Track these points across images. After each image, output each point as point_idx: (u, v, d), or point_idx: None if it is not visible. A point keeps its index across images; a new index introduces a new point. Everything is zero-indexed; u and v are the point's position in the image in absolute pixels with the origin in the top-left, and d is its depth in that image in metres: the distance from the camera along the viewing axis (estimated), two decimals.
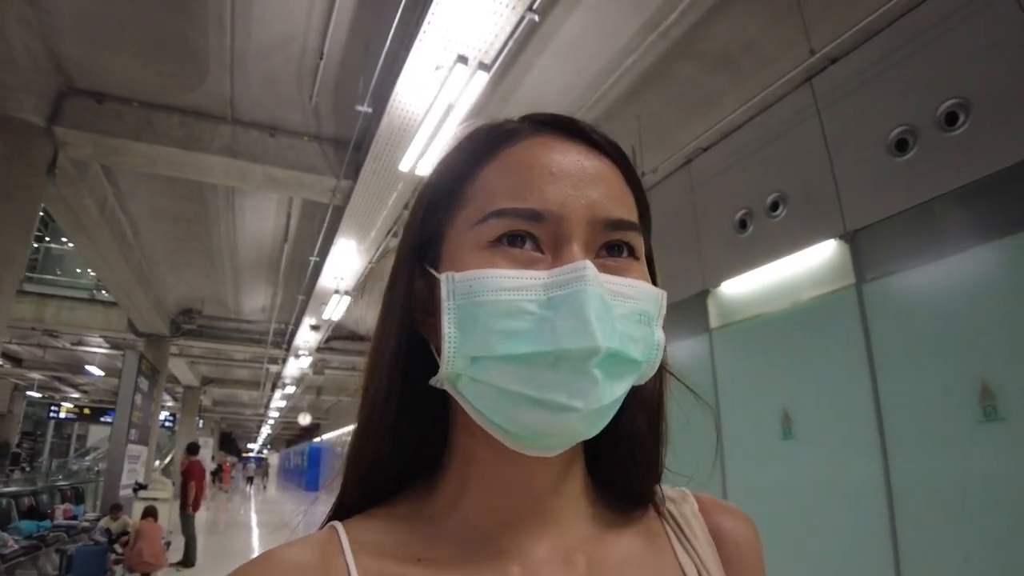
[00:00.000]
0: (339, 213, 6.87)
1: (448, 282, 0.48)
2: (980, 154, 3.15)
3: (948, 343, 3.22)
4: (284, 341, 14.75)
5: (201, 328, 14.63)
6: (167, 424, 27.07)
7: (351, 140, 5.85)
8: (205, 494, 11.35)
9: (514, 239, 0.48)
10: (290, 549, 0.49)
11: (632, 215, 0.53)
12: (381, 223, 6.93)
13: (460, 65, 3.76)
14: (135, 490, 10.49)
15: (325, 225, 7.47)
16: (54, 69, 5.42)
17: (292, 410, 30.24)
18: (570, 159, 0.51)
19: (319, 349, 14.85)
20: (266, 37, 5.05)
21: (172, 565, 8.42)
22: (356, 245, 7.77)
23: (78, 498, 10.95)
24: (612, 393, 0.46)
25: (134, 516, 8.95)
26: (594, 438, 0.52)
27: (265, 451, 60.16)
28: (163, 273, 11.32)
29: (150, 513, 7.76)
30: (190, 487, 9.20)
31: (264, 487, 37.66)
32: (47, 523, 8.42)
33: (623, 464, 0.60)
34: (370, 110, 4.91)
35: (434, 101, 4.09)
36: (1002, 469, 3.01)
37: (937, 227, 3.29)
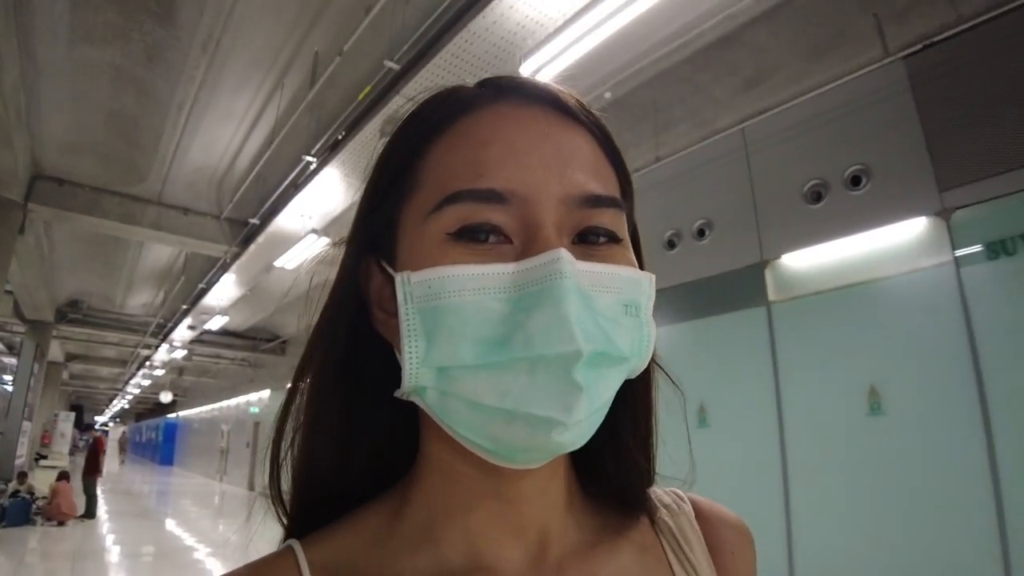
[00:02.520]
0: (228, 264, 9.50)
1: (404, 284, 0.42)
2: None
3: None
4: (162, 333, 16.60)
5: (85, 317, 16.12)
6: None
7: (246, 222, 8.54)
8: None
9: (477, 230, 0.42)
10: (239, 575, 0.45)
11: (611, 190, 0.47)
12: (259, 274, 9.64)
13: (312, 234, 6.68)
14: (36, 459, 12.60)
15: (215, 268, 10.06)
16: (33, 165, 7.79)
17: (151, 387, 31.18)
18: (536, 129, 0.45)
19: (191, 341, 16.89)
20: (192, 165, 7.74)
21: (77, 517, 10.78)
22: (236, 280, 10.36)
23: None
24: (599, 398, 0.42)
25: (36, 481, 11.25)
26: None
27: (111, 424, 58.54)
28: (64, 275, 13.27)
29: (63, 476, 10.18)
30: (95, 457, 11.50)
31: (122, 462, 37.51)
32: None
33: (611, 469, 0.55)
34: (258, 223, 7.70)
35: (302, 238, 6.97)
36: None
37: None
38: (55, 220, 8.55)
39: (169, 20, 5.14)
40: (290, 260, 7.45)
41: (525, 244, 0.42)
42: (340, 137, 5.72)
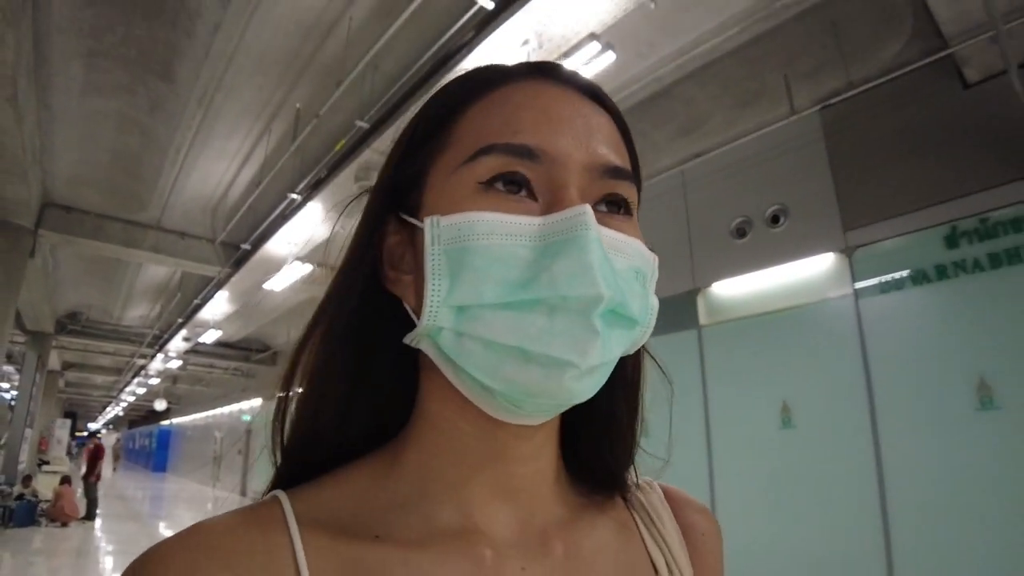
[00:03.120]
0: (221, 283, 10.21)
1: (433, 227, 0.45)
2: None
3: (946, 342, 4.40)
4: (158, 344, 17.23)
5: (84, 328, 16.70)
6: (12, 403, 27.88)
7: (238, 247, 9.26)
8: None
9: (507, 183, 0.45)
10: (222, 521, 0.44)
11: (628, 165, 0.51)
12: (249, 292, 10.35)
13: (297, 261, 7.41)
14: (39, 465, 13.26)
15: (209, 286, 10.77)
16: (43, 195, 8.50)
17: (146, 395, 31.46)
18: (567, 103, 0.49)
19: (186, 352, 17.51)
20: (188, 195, 8.47)
21: (79, 519, 11.45)
22: (228, 297, 11.10)
23: None
24: (611, 350, 0.44)
25: (39, 485, 11.92)
26: (568, 416, 0.52)
27: (104, 431, 58.42)
28: (65, 290, 13.95)
29: (66, 480, 10.86)
30: (95, 463, 12.17)
31: (115, 468, 37.56)
32: None
33: (597, 447, 0.58)
34: (250, 248, 8.42)
35: (289, 264, 7.69)
36: (996, 454, 3.92)
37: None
38: (62, 244, 9.25)
39: (169, 78, 5.88)
40: (278, 283, 8.15)
41: (550, 203, 0.45)
42: (322, 177, 6.44)
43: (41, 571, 8.50)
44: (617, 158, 0.49)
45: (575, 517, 0.55)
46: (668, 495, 0.63)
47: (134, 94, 6.15)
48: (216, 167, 7.62)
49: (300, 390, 0.53)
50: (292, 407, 0.54)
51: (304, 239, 7.52)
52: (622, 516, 0.58)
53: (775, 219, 5.93)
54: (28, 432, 14.39)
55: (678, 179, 6.65)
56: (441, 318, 0.44)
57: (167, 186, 8.08)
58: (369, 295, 0.52)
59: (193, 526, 0.43)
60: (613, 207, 0.49)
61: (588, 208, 0.43)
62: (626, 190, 0.49)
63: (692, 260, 6.43)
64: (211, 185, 8.15)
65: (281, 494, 0.48)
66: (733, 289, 6.09)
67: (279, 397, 0.54)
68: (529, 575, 0.49)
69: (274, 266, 8.23)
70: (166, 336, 16.03)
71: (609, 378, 0.48)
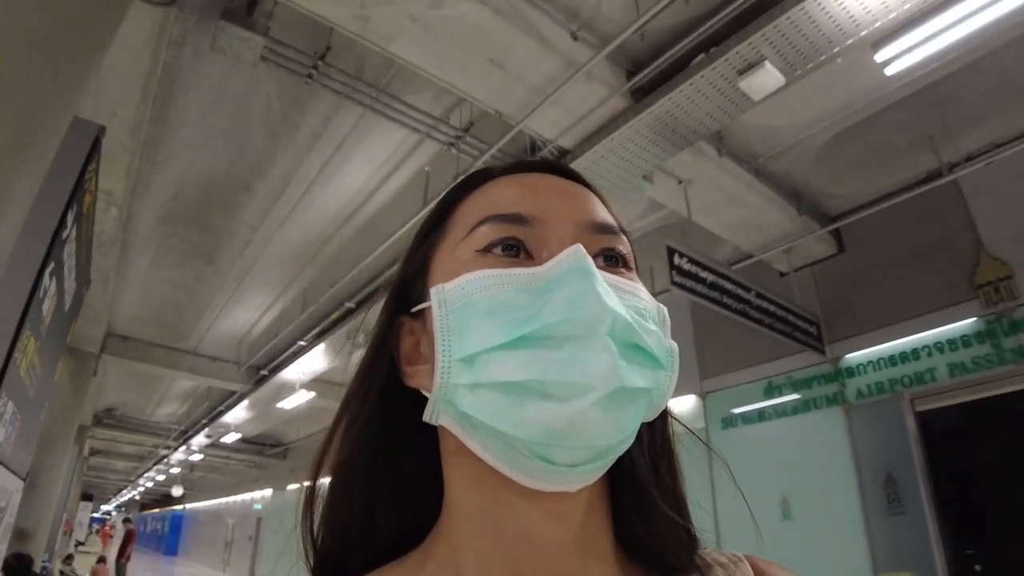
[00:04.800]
0: (243, 396, 12.37)
1: (438, 293, 0.46)
2: None
3: (762, 468, 6.39)
4: (182, 438, 19.16)
5: (117, 422, 18.63)
6: None
7: (258, 370, 11.44)
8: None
9: (504, 248, 0.48)
10: None
11: (617, 224, 0.53)
12: (265, 405, 12.49)
13: (303, 389, 9.55)
14: (76, 546, 15.08)
15: (233, 397, 12.92)
16: (107, 329, 10.77)
17: (164, 481, 32.59)
18: (552, 181, 0.54)
19: (206, 446, 19.41)
20: (221, 332, 10.76)
21: None
22: (247, 407, 13.19)
23: None
24: (631, 378, 0.42)
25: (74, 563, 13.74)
26: (615, 498, 0.51)
27: (113, 513, 58.23)
28: (107, 391, 16.12)
29: (101, 560, 12.70)
30: (127, 546, 14.01)
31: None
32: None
33: (640, 528, 0.52)
34: (267, 373, 10.59)
35: (297, 390, 9.84)
36: (794, 554, 5.60)
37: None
38: (118, 365, 11.49)
39: (213, 263, 8.22)
40: (288, 403, 10.28)
41: (547, 257, 0.47)
42: (324, 330, 8.66)
43: None
44: (605, 216, 0.52)
45: None
46: (758, 571, 0.55)
47: (185, 269, 8.46)
48: (243, 314, 9.90)
49: (326, 497, 0.54)
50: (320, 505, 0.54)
51: (309, 371, 9.69)
52: None
53: None
54: (64, 516, 16.25)
55: None
56: (455, 374, 0.45)
57: (205, 326, 10.36)
58: (388, 397, 0.53)
59: None
60: (611, 261, 0.51)
61: (581, 246, 0.45)
62: (621, 244, 0.51)
63: None
64: (239, 325, 10.42)
65: None
66: None
67: (305, 497, 0.54)
68: None
69: (286, 388, 10.38)
70: (190, 432, 17.92)
71: (640, 449, 0.52)
